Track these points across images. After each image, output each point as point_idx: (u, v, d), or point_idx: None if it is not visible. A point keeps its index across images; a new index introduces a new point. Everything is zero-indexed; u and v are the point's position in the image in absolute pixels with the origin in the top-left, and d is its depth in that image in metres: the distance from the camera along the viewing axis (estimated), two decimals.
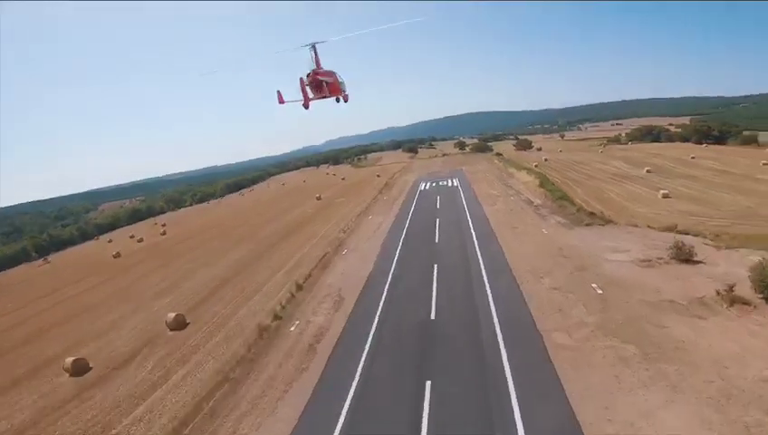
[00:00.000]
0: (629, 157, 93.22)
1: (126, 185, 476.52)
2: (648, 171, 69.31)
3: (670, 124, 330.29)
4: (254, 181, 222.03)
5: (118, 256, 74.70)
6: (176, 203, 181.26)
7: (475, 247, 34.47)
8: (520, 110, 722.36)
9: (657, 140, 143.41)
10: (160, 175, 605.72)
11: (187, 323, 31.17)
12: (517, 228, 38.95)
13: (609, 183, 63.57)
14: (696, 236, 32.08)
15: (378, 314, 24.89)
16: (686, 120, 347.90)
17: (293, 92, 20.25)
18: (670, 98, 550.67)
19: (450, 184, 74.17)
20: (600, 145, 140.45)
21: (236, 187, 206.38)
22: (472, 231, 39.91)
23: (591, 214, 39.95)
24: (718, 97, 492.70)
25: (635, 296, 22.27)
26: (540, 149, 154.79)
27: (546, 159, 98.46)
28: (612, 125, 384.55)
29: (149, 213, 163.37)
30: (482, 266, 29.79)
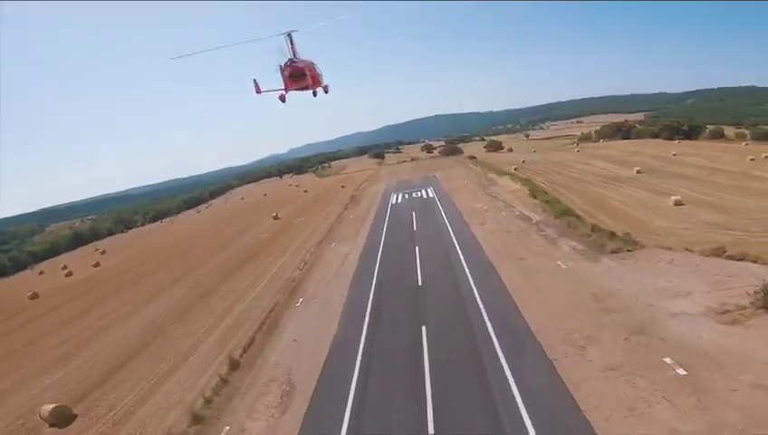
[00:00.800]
0: (609, 156, 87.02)
1: (79, 203, 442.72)
2: (638, 172, 62.49)
3: (626, 120, 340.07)
4: (213, 195, 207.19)
5: (35, 296, 61.76)
6: (126, 224, 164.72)
7: (474, 294, 24.92)
8: (483, 111, 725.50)
9: (627, 136, 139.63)
10: (121, 189, 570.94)
11: (75, 417, 21.93)
12: (523, 260, 29.64)
13: (603, 187, 55.92)
14: (755, 262, 24.04)
15: (344, 425, 15.43)
16: (639, 116, 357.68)
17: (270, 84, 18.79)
18: (620, 95, 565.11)
19: (425, 195, 64.77)
20: (573, 144, 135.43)
21: (194, 202, 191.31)
22: (464, 266, 30.36)
23: (612, 235, 31.15)
24: (660, 93, 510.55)
25: (740, 378, 14.08)
26: (511, 150, 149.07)
27: (524, 161, 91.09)
28: (573, 123, 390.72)
29: (94, 236, 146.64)
30: (491, 332, 20.27)
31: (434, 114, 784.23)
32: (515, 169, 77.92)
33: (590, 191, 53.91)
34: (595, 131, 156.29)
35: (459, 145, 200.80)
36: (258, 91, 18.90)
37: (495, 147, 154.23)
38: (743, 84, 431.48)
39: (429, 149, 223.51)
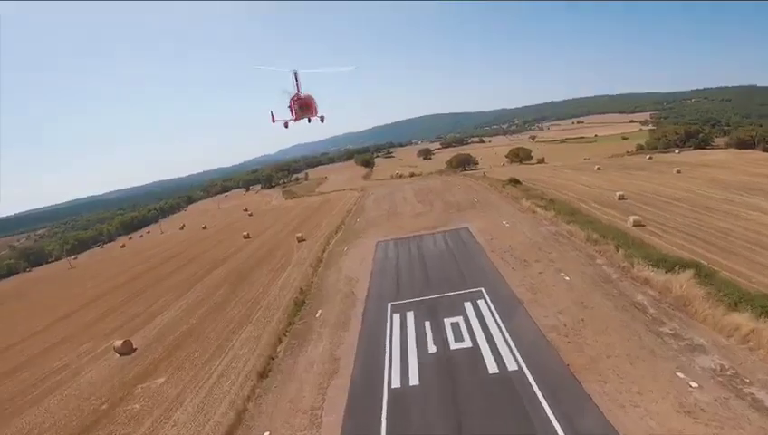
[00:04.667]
0: (728, 181, 45.10)
1: (30, 212, 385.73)
2: None
3: (632, 121, 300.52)
4: (163, 213, 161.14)
5: None
6: (36, 257, 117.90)
7: None
8: (474, 111, 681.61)
9: (702, 145, 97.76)
10: (98, 193, 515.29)
11: None
12: None
13: None
14: None
15: None
16: (645, 115, 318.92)
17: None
18: (618, 95, 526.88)
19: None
20: (644, 156, 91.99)
21: (137, 224, 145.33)
22: None
23: None
24: (652, 93, 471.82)
25: None
26: (543, 162, 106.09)
27: (622, 197, 47.63)
28: (574, 123, 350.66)
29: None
30: None
31: (423, 114, 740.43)
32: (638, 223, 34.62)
33: None
34: (658, 138, 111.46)
35: (463, 150, 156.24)
36: (273, 121, 21.39)
37: (522, 156, 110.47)
38: (743, 84, 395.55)
39: (427, 154, 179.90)
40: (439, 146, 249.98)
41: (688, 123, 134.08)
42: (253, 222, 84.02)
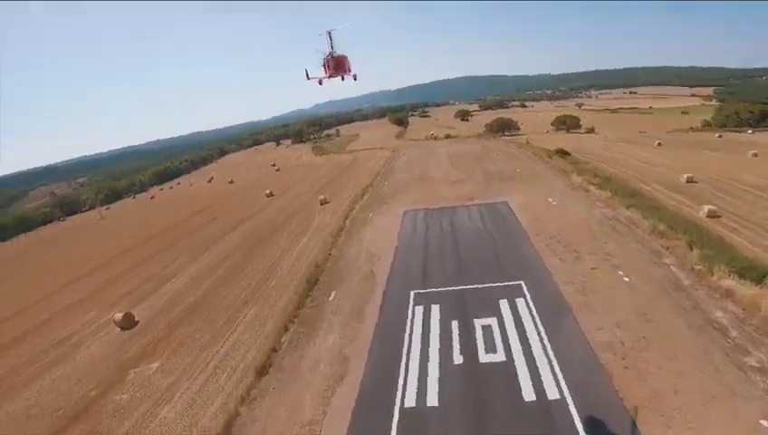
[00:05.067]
0: None
1: (71, 161, 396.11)
2: None
3: (693, 95, 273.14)
4: (195, 165, 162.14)
5: None
6: (71, 205, 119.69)
7: None
8: (513, 74, 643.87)
9: None
10: (135, 144, 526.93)
11: None
12: None
13: None
14: None
15: None
16: (708, 90, 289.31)
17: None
18: (677, 67, 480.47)
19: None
20: (713, 134, 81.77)
21: (170, 175, 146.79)
22: None
23: None
24: (718, 68, 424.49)
25: None
26: (594, 131, 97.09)
27: (691, 179, 41.13)
28: (625, 93, 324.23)
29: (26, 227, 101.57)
30: None
31: (462, 75, 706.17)
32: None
33: None
34: (723, 113, 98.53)
35: (503, 114, 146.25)
36: (307, 78, 21.63)
37: (569, 125, 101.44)
38: None
39: (465, 115, 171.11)
40: (478, 108, 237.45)
41: (763, 102, 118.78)
42: (279, 178, 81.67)
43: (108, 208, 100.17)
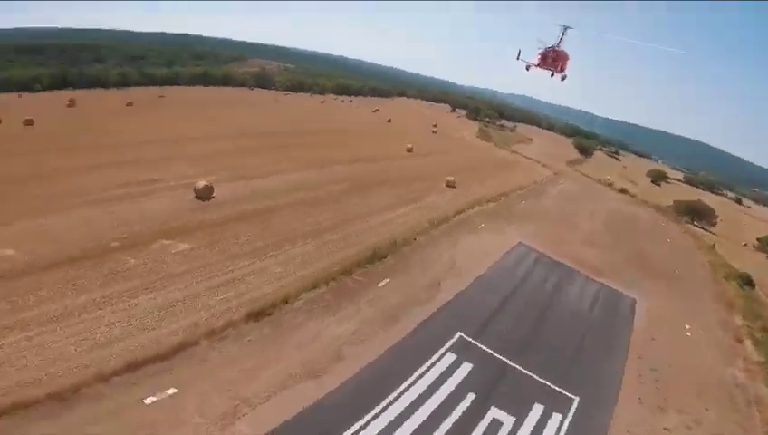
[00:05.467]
0: None
1: (307, 52, 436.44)
2: None
3: None
4: (375, 93, 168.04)
5: None
6: (262, 81, 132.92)
7: None
8: (757, 163, 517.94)
9: None
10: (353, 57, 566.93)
11: None
12: None
13: None
14: None
15: None
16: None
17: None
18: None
19: None
20: None
21: (352, 92, 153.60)
22: None
23: None
24: None
25: None
26: None
27: None
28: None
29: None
30: None
31: (679, 133, 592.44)
32: None
33: None
34: None
35: (706, 198, 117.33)
36: (518, 58, 22.83)
37: None
38: None
39: (658, 177, 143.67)
40: (681, 178, 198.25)
41: None
42: (428, 140, 78.86)
43: (287, 95, 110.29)
